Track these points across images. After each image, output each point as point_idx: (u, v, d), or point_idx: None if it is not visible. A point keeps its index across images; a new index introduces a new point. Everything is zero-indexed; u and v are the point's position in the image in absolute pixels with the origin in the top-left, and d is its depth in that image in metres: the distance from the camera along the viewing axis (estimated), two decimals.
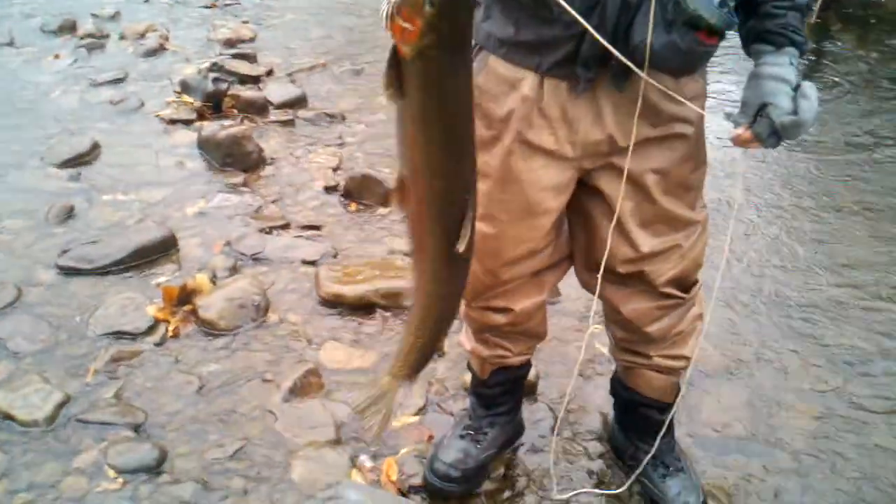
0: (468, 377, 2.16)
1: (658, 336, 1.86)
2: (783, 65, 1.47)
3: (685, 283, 1.80)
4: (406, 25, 1.13)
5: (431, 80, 1.19)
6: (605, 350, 2.35)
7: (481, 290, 1.81)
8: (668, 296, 1.79)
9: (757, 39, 1.52)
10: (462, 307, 1.85)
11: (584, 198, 1.70)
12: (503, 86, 1.56)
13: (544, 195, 1.65)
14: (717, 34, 1.36)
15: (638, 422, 2.09)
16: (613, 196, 1.64)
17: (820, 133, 4.18)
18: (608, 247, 1.69)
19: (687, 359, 1.92)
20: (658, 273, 1.74)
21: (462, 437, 2.08)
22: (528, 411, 2.26)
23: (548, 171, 1.62)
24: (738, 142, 1.50)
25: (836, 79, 4.95)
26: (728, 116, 1.51)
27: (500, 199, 1.66)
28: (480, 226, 1.56)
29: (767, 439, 2.28)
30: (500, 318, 1.86)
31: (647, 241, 1.69)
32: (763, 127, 1.45)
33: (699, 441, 2.27)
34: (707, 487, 2.07)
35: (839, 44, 5.64)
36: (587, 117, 1.55)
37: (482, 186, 1.55)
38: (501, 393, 2.08)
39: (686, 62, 1.45)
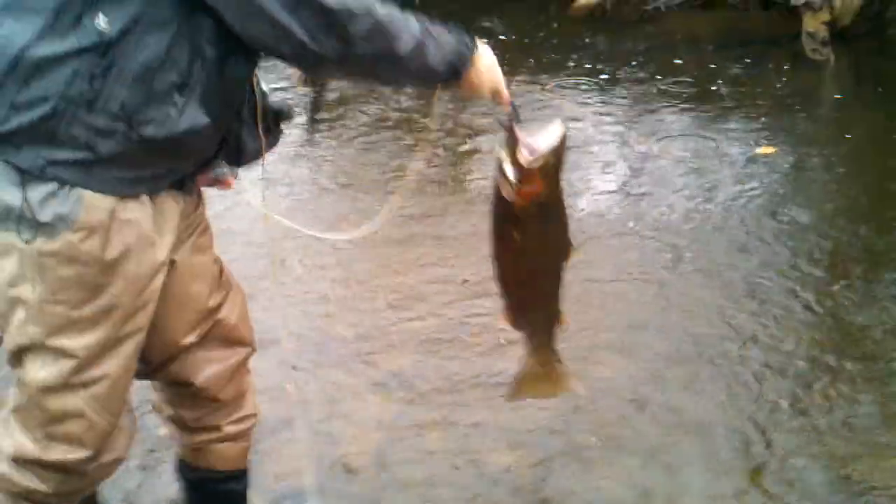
0: None
1: (230, 400, 1.92)
2: None
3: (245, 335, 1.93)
4: (525, 188, 1.65)
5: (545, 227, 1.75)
6: (165, 433, 2.23)
7: None
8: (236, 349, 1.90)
9: None
10: None
11: None
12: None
13: None
14: None
15: (219, 500, 2.09)
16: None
17: None
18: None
19: (254, 416, 2.01)
20: (228, 321, 1.86)
21: None
22: None
23: None
24: None
25: None
26: None
27: None
28: None
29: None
30: None
31: None
32: None
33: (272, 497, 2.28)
34: None
35: None
36: None
37: None
38: None
39: None
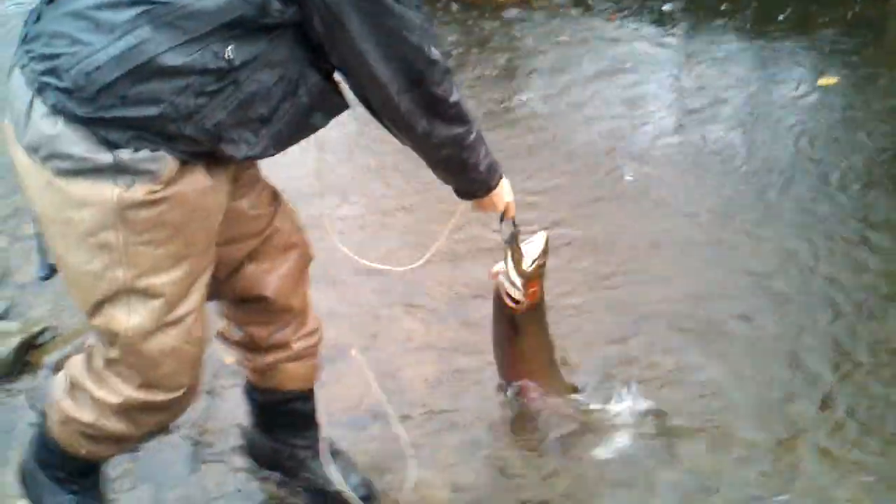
0: None
1: (298, 309, 2.03)
2: None
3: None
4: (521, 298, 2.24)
5: (541, 312, 2.38)
6: (230, 361, 2.30)
7: None
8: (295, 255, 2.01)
9: None
10: None
11: None
12: None
13: None
14: None
15: (287, 420, 2.16)
16: None
17: None
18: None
19: (319, 330, 2.10)
20: (282, 229, 1.97)
21: None
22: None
23: None
24: None
25: None
26: None
27: None
28: None
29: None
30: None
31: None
32: None
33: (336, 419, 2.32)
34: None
35: None
36: None
37: None
38: None
39: None
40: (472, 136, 1.76)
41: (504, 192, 1.99)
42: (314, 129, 1.70)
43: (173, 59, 1.48)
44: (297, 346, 2.05)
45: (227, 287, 1.94)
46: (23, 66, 1.56)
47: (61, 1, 1.56)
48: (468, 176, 1.86)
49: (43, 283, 2.88)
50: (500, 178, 1.94)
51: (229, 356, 2.25)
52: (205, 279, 1.73)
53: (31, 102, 1.54)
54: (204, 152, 1.59)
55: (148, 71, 1.48)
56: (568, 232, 3.28)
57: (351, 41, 1.54)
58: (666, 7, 5.44)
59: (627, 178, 3.70)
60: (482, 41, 5.17)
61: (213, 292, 1.87)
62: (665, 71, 4.71)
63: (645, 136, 4.04)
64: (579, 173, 3.76)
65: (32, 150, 1.55)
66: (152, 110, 1.49)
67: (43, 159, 1.55)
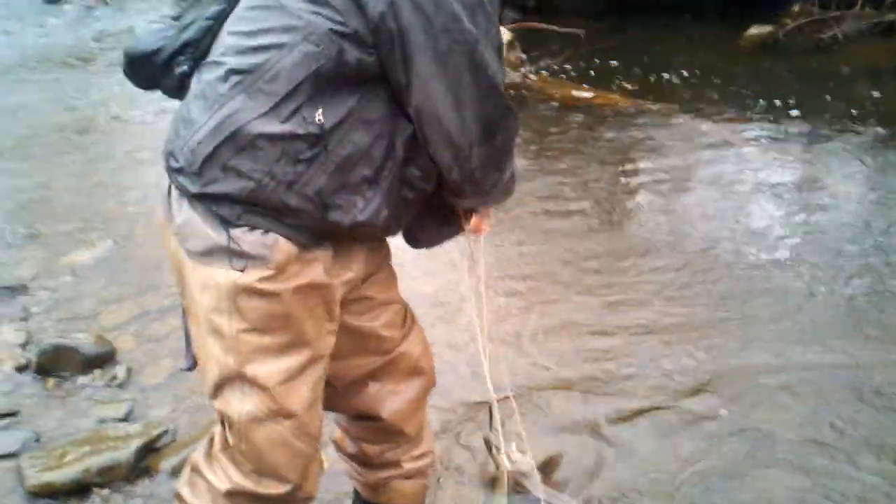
0: None
1: (413, 434, 1.98)
2: None
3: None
4: None
5: None
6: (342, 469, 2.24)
7: None
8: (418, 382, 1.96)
9: None
10: None
11: None
12: None
13: None
14: None
15: None
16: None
17: None
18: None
19: (432, 453, 2.08)
20: (411, 354, 1.92)
21: None
22: None
23: None
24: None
25: None
26: None
27: None
28: None
29: None
30: None
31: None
32: None
33: None
34: None
35: None
36: None
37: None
38: None
39: None
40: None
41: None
42: (418, 188, 1.64)
43: (264, 126, 1.49)
44: (408, 466, 2.01)
45: (345, 401, 1.92)
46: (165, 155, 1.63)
47: (203, 66, 1.61)
48: (496, 194, 1.74)
49: (164, 385, 3.00)
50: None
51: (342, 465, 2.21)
52: (316, 373, 1.70)
53: (169, 188, 1.62)
54: (320, 231, 1.57)
55: (243, 140, 1.50)
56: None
57: (421, 82, 1.49)
58: (792, 112, 5.36)
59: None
60: (595, 138, 5.18)
61: (331, 403, 1.86)
62: (779, 176, 4.58)
63: (760, 240, 3.91)
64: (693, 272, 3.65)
65: (174, 234, 1.61)
66: (253, 181, 1.50)
67: (180, 243, 1.60)
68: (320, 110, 1.49)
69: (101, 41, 8.51)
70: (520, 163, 4.86)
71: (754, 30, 6.81)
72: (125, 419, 2.89)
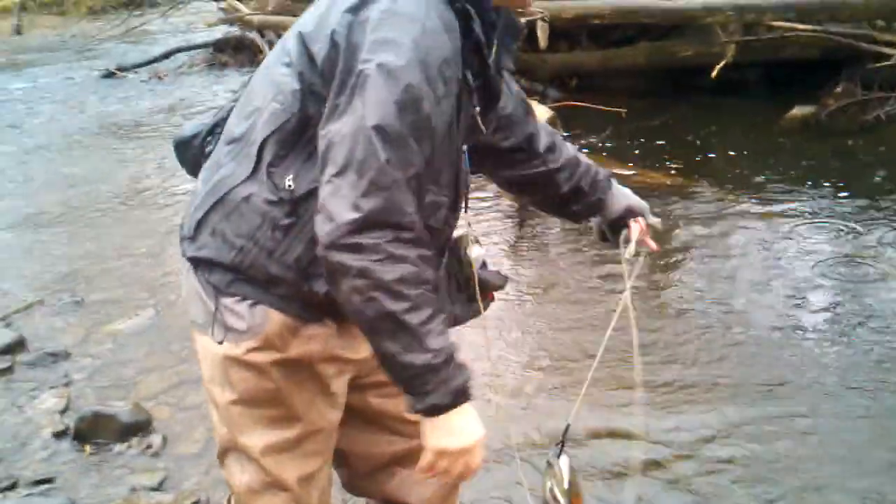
0: None
1: None
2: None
3: None
4: None
5: None
6: None
7: None
8: None
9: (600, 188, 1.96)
10: None
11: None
12: None
13: None
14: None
15: None
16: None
17: None
18: None
19: None
20: None
21: None
22: None
23: None
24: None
25: None
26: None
27: None
28: None
29: None
30: None
31: None
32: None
33: None
34: None
35: None
36: None
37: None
38: None
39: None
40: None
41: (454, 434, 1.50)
42: None
43: (247, 190, 1.51)
44: None
45: (374, 485, 1.88)
46: None
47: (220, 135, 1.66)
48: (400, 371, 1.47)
49: (198, 455, 3.01)
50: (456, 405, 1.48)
51: None
52: (312, 446, 1.69)
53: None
54: (310, 303, 1.55)
55: (230, 205, 1.53)
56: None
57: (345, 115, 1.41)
58: (838, 192, 5.32)
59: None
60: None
61: (359, 488, 1.86)
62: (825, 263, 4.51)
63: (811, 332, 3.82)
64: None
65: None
66: (236, 248, 1.52)
67: (188, 312, 1.65)
68: (291, 175, 1.49)
69: (154, 114, 8.79)
70: (560, 235, 4.90)
71: (797, 110, 6.79)
72: (158, 488, 2.91)
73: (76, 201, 6.14)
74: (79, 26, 15.74)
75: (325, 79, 1.45)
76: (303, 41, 1.50)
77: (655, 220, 2.00)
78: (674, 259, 4.59)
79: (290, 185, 1.48)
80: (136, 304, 4.32)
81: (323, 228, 1.38)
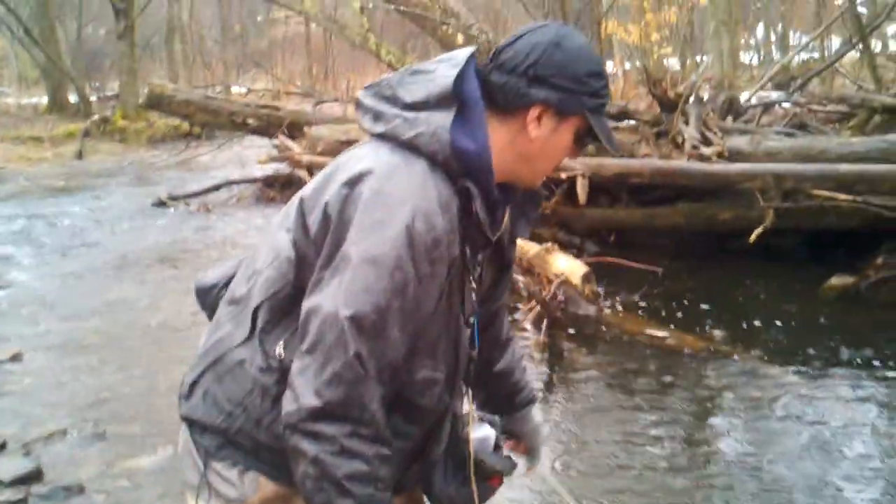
0: None
1: None
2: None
3: None
4: None
5: None
6: None
7: None
8: None
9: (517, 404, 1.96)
10: None
11: None
12: None
13: None
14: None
15: None
16: None
17: None
18: None
19: None
20: None
21: None
22: None
23: None
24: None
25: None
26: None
27: None
28: None
29: None
30: None
31: None
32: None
33: None
34: None
35: None
36: None
37: None
38: None
39: None
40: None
41: None
42: (401, 433, 1.52)
43: (241, 354, 1.50)
44: None
45: None
46: None
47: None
48: None
49: None
50: None
51: None
52: None
53: None
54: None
55: (223, 367, 1.51)
56: None
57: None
58: (878, 364, 5.20)
59: None
60: (673, 377, 5.09)
61: None
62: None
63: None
64: None
65: None
66: (224, 412, 1.50)
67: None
68: (281, 343, 1.47)
69: (197, 245, 9.01)
70: (593, 391, 4.81)
71: (836, 280, 6.71)
72: None
73: (112, 329, 6.22)
74: (137, 153, 16.43)
75: (318, 249, 1.46)
76: (301, 209, 1.51)
77: (535, 466, 2.00)
78: (711, 428, 4.47)
79: (279, 354, 1.48)
80: (156, 441, 4.28)
81: (287, 408, 1.39)
